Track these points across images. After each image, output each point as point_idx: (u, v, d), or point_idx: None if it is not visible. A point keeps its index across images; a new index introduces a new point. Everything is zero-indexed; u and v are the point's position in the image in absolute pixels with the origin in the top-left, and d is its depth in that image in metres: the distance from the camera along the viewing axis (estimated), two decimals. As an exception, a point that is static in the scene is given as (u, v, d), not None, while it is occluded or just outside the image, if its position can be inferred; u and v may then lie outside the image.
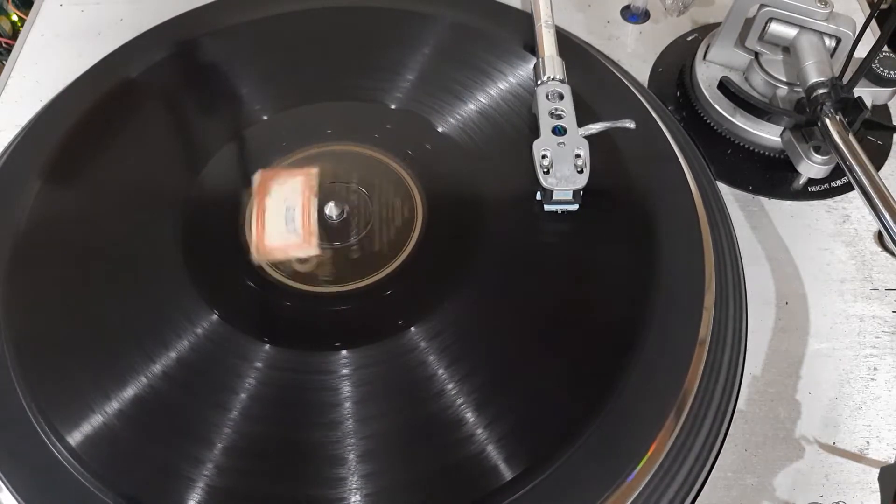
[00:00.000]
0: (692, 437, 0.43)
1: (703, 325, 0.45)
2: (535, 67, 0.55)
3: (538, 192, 0.50)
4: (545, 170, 0.49)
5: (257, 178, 0.51)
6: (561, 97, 0.52)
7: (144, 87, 0.57)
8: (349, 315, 0.47)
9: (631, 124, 0.50)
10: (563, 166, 0.49)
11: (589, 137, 0.50)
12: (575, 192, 0.49)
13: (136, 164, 0.53)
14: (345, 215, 0.51)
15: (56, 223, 0.50)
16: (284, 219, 0.49)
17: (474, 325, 0.46)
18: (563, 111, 0.51)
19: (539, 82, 0.54)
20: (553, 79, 0.53)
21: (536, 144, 0.50)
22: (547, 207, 0.49)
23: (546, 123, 0.51)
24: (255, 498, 0.40)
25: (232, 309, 0.46)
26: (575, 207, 0.49)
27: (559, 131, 0.50)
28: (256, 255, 0.48)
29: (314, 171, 0.52)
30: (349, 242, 0.50)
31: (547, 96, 0.52)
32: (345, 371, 0.44)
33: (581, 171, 0.48)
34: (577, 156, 0.49)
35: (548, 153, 0.49)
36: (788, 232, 0.54)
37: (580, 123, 0.50)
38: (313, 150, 0.54)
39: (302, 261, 0.48)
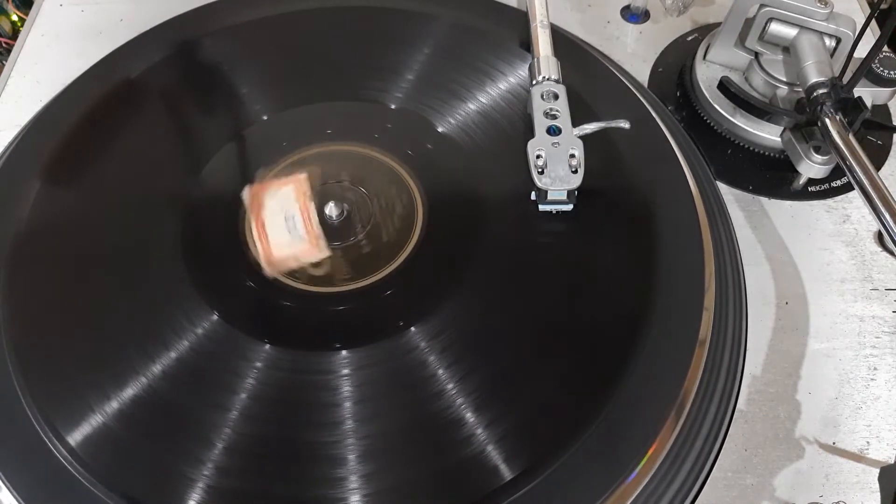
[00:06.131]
0: (692, 437, 0.43)
1: (703, 325, 0.45)
2: (531, 67, 0.55)
3: (533, 192, 0.50)
4: (540, 170, 0.49)
5: (247, 193, 0.50)
6: (556, 97, 0.52)
7: (144, 87, 0.57)
8: (349, 315, 0.47)
9: (626, 124, 0.50)
10: (557, 166, 0.49)
11: (584, 137, 0.50)
12: (569, 192, 0.49)
13: (136, 164, 0.53)
14: (345, 215, 0.51)
15: (56, 223, 0.50)
16: (287, 228, 0.49)
17: (474, 325, 0.46)
18: (557, 111, 0.51)
19: (534, 82, 0.54)
20: (548, 79, 0.53)
21: (531, 144, 0.50)
22: (541, 207, 0.49)
23: (541, 123, 0.51)
24: (255, 498, 0.40)
25: (232, 309, 0.46)
26: (569, 207, 0.49)
27: (554, 131, 0.50)
28: (269, 269, 0.48)
29: (303, 176, 0.51)
30: (349, 242, 0.50)
31: (542, 96, 0.52)
32: (345, 371, 0.44)
33: (575, 172, 0.48)
34: (572, 156, 0.49)
35: (542, 153, 0.49)
36: (788, 232, 0.54)
37: (579, 123, 0.50)
38: (313, 150, 0.54)
39: (316, 265, 0.48)
